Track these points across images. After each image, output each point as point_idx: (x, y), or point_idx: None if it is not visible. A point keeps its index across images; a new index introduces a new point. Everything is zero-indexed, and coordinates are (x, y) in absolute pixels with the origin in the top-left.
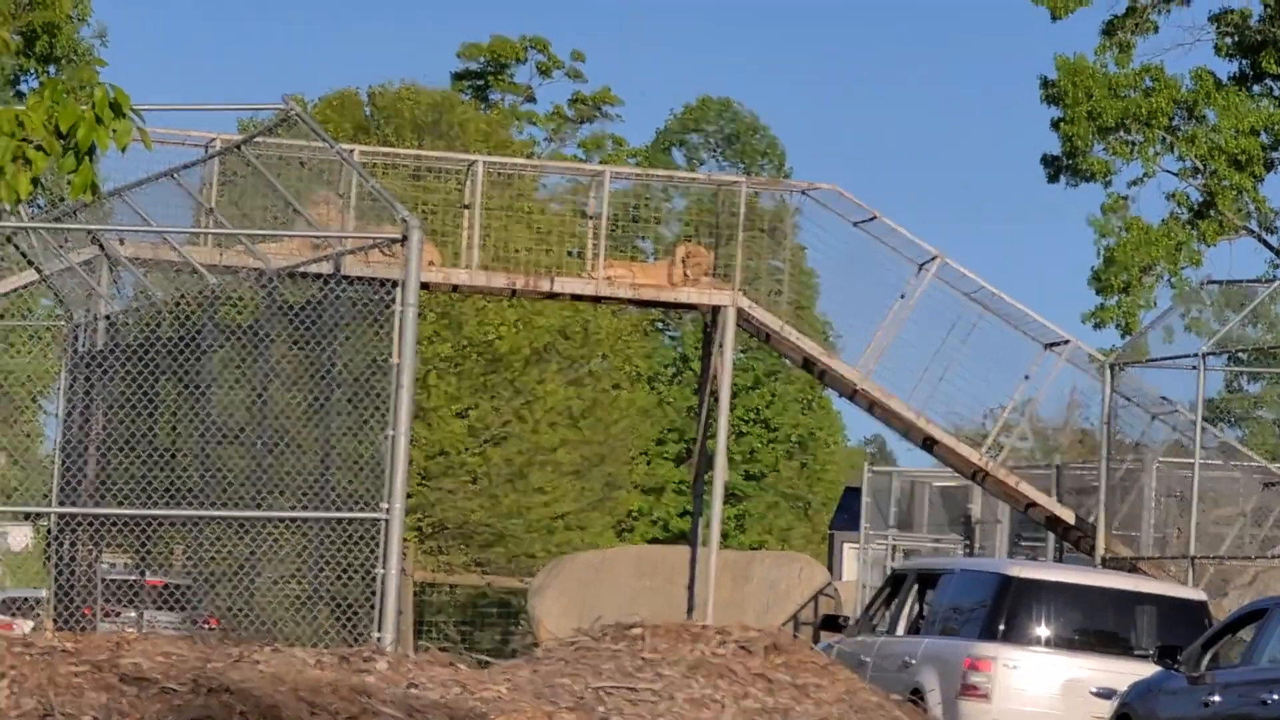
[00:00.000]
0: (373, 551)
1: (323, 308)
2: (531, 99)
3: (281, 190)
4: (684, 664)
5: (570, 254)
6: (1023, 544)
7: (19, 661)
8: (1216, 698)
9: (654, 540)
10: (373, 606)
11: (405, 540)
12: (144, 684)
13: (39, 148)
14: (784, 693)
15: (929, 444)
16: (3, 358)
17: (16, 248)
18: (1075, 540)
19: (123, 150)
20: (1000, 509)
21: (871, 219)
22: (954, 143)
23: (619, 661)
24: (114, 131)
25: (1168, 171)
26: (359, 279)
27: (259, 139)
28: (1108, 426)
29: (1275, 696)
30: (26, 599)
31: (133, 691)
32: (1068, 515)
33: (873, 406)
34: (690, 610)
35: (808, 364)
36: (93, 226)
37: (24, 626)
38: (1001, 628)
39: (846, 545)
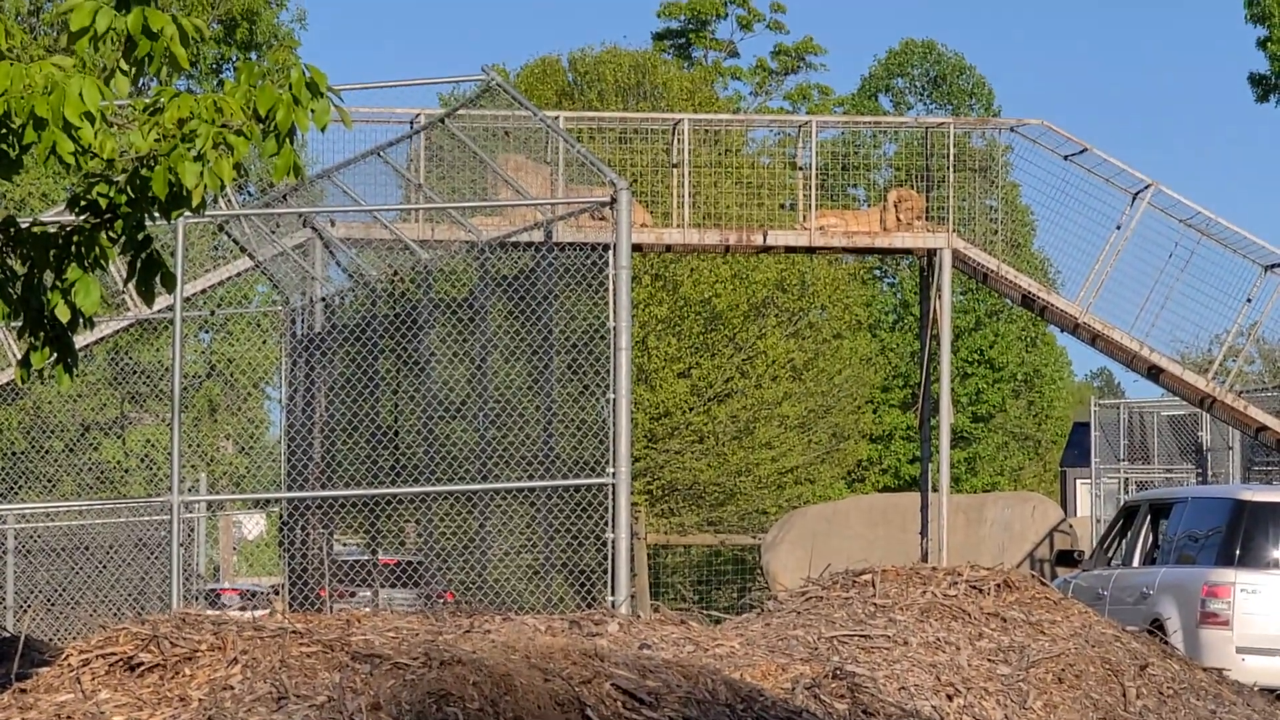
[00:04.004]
0: (602, 517)
1: (536, 276)
2: (734, 54)
3: (488, 161)
4: (916, 608)
5: (782, 207)
6: (1255, 469)
7: (250, 645)
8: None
9: (885, 488)
10: (606, 571)
11: (636, 504)
12: (376, 660)
13: (239, 133)
14: (1019, 630)
15: (1154, 373)
16: (224, 346)
17: (229, 235)
18: None
19: (322, 130)
20: (1231, 435)
21: (1082, 151)
22: (1159, 69)
23: (850, 609)
24: (312, 112)
25: None
26: (571, 245)
27: (462, 112)
28: None
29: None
30: (248, 591)
31: (365, 669)
32: None
33: (1095, 339)
34: (925, 556)
35: (1027, 301)
36: (302, 209)
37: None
38: (1238, 553)
39: (1078, 481)
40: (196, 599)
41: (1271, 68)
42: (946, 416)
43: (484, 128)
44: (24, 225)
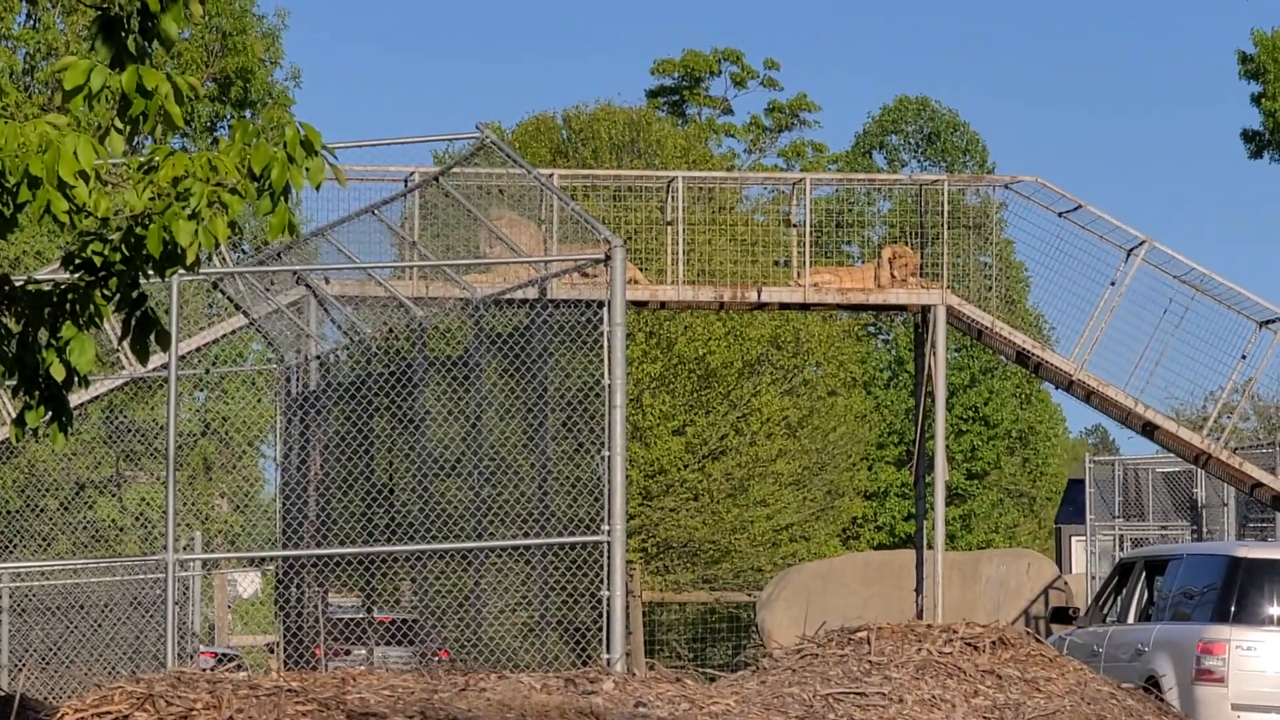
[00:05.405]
0: (597, 575)
1: (531, 334)
2: (728, 111)
3: (482, 219)
4: (911, 665)
5: (776, 264)
6: (1250, 525)
7: (246, 704)
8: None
9: (880, 546)
10: (601, 629)
11: (631, 561)
12: (372, 719)
13: (234, 191)
14: (1014, 688)
15: (1149, 430)
16: (219, 404)
17: (224, 293)
18: None
19: (316, 188)
20: (1226, 491)
21: (1077, 208)
22: (1153, 125)
23: (846, 666)
24: (307, 170)
25: None
26: (565, 302)
27: (456, 169)
28: None
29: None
30: (224, 655)
31: None
32: None
33: (1090, 396)
34: (920, 613)
35: (1022, 358)
36: (296, 267)
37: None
38: (1233, 610)
39: (1073, 538)
40: (191, 658)
41: (1265, 124)
42: (941, 473)
43: (478, 185)
44: (18, 283)
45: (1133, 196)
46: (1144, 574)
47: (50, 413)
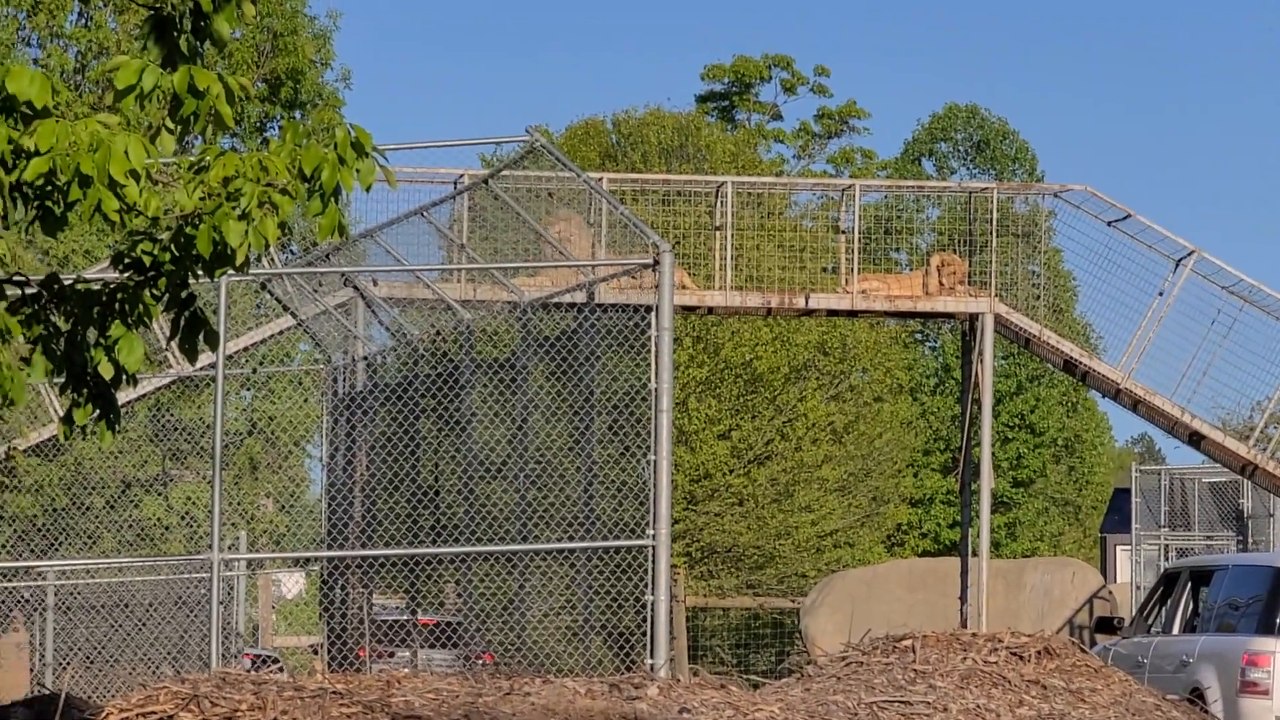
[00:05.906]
0: (642, 579)
1: (578, 337)
2: (778, 117)
3: (531, 222)
4: (956, 674)
5: (824, 270)
6: None
7: (290, 705)
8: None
9: (924, 553)
10: (645, 634)
11: (675, 566)
12: None
13: (284, 192)
14: (1059, 698)
15: (1196, 440)
16: (266, 404)
17: (272, 294)
18: None
19: (367, 190)
20: (1272, 502)
21: (1126, 217)
22: (1202, 135)
23: (890, 675)
24: (357, 171)
25: None
26: (613, 307)
27: (506, 172)
28: None
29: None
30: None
31: None
32: None
33: (1137, 405)
34: (964, 621)
35: (1069, 366)
36: (345, 268)
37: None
38: (1279, 621)
39: (1118, 547)
40: (235, 658)
41: None
42: (987, 481)
43: (527, 188)
44: (68, 282)
45: (1183, 204)
46: (1189, 584)
47: (98, 410)
